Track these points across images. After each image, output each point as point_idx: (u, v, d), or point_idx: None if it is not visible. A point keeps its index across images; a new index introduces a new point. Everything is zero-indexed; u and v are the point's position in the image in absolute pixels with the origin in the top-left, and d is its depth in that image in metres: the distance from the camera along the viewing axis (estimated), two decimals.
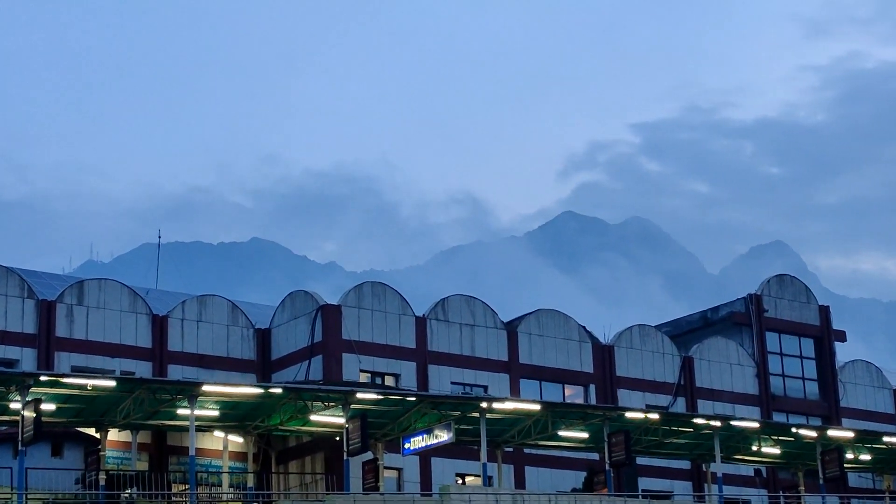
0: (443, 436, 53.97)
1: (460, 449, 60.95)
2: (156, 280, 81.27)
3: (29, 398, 46.68)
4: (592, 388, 72.91)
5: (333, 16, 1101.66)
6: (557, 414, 57.83)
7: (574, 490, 62.81)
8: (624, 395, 72.87)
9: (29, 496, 49.04)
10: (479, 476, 58.47)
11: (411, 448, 56.60)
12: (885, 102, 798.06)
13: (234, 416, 54.99)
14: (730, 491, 66.97)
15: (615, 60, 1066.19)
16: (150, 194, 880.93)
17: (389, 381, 66.97)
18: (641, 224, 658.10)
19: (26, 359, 61.59)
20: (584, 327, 74.58)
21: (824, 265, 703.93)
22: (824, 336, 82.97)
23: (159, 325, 65.33)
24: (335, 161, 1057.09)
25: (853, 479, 74.60)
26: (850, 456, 65.21)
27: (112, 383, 49.68)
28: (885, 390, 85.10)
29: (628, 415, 58.23)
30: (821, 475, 62.61)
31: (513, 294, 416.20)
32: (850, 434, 64.49)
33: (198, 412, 51.39)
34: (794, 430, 63.15)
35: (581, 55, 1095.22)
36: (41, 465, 53.54)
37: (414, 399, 55.34)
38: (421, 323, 68.66)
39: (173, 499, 56.74)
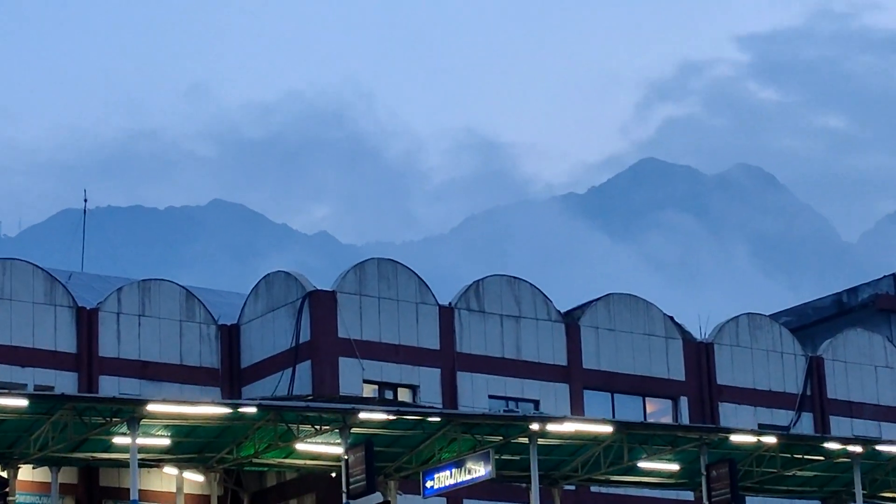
0: (479, 470, 54.08)
1: (503, 487, 61.19)
2: (81, 260, 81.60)
3: None
4: (684, 401, 73.11)
5: None
6: (637, 438, 57.77)
7: None
8: (728, 411, 73.22)
9: None
10: None
11: (435, 487, 56.66)
12: None
13: (192, 445, 55.29)
14: None
15: None
16: (72, 144, 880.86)
17: (404, 394, 67.32)
18: (749, 173, 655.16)
19: None
20: (671, 318, 74.68)
21: None
22: None
23: (87, 322, 65.55)
24: (287, 91, 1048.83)
25: None
26: None
27: (24, 402, 49.69)
28: None
29: (734, 438, 58.24)
30: None
31: (566, 274, 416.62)
32: None
33: (141, 441, 51.51)
34: None
35: None
36: None
37: (439, 419, 55.40)
38: (447, 315, 68.83)
39: None
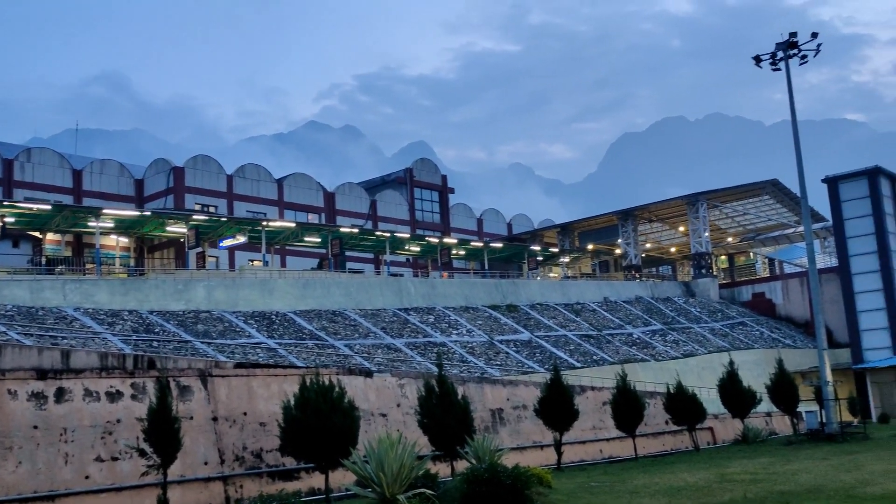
0: (241, 238, 53.29)
1: (251, 246, 59.90)
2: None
3: None
4: (323, 215, 72.99)
5: None
6: (304, 229, 57.52)
7: (312, 268, 62.85)
8: (341, 220, 73.30)
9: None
10: (262, 261, 57.93)
11: (224, 245, 55.53)
12: None
13: (123, 226, 52.30)
14: (393, 269, 68.74)
15: None
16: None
17: (213, 210, 64.98)
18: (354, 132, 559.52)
19: None
20: (319, 183, 74.12)
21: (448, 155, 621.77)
22: (444, 190, 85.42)
23: (78, 179, 61.10)
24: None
25: (456, 264, 77.67)
26: (454, 252, 67.73)
27: (48, 207, 46.36)
28: (472, 218, 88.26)
29: (342, 230, 58.51)
30: (439, 262, 65.00)
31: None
32: (456, 240, 66.83)
33: (101, 224, 48.87)
34: (427, 239, 64.82)
35: None
36: (4, 252, 50.00)
37: (225, 220, 53.89)
38: (230, 181, 66.60)
39: (86, 273, 54.05)
